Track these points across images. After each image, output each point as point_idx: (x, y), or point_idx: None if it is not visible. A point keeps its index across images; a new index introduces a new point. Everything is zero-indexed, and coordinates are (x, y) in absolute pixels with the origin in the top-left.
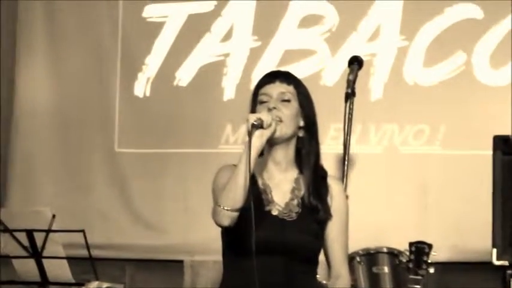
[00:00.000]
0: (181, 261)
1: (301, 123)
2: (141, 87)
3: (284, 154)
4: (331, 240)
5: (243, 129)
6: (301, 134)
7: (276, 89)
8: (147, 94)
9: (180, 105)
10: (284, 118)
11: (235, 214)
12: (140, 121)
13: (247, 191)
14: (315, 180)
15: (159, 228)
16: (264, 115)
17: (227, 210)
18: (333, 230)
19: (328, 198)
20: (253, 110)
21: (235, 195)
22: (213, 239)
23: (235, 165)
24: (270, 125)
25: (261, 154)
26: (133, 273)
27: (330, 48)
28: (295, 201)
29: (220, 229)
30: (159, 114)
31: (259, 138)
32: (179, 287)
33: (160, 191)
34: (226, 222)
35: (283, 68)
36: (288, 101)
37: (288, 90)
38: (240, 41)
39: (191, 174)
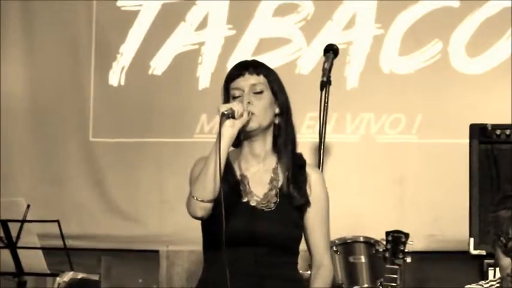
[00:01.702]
0: (156, 251)
1: (277, 111)
2: (116, 76)
3: (262, 145)
4: (311, 228)
5: (218, 119)
6: (277, 121)
7: (247, 81)
8: (122, 83)
9: (155, 94)
10: (259, 111)
11: (209, 205)
12: (115, 110)
13: (220, 182)
14: (293, 168)
15: (134, 218)
16: (235, 105)
17: (200, 201)
18: (312, 218)
19: (307, 187)
20: (225, 103)
21: (207, 185)
22: (189, 229)
23: None
24: (241, 115)
25: (238, 145)
26: (109, 263)
27: (305, 36)
28: (274, 192)
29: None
30: (134, 103)
31: (230, 128)
32: (155, 277)
33: (135, 181)
34: (199, 213)
35: (258, 57)
36: (261, 92)
37: (258, 81)
38: (214, 29)
39: (166, 164)
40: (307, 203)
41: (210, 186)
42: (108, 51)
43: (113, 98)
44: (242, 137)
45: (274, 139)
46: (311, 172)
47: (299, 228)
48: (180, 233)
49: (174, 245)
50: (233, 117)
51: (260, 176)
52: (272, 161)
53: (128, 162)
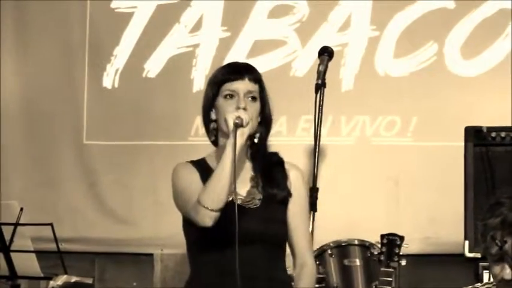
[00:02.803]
0: (151, 255)
1: (259, 119)
2: (110, 78)
3: (242, 149)
4: (293, 227)
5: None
6: (259, 129)
7: (245, 86)
8: (116, 85)
9: (149, 97)
10: (252, 117)
11: (218, 214)
12: (109, 113)
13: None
14: (270, 166)
15: (128, 221)
16: (242, 114)
17: (211, 210)
18: (294, 215)
19: (288, 182)
20: (212, 101)
21: (220, 195)
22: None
23: (191, 162)
24: (248, 124)
25: (217, 143)
26: (103, 266)
27: (300, 38)
28: (256, 189)
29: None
30: (128, 106)
31: (240, 137)
32: (149, 280)
33: (129, 184)
34: (208, 222)
35: (253, 59)
36: (255, 99)
37: (254, 88)
38: (209, 31)
39: (160, 167)
40: (289, 195)
41: (223, 196)
42: (102, 53)
43: (107, 100)
44: (223, 139)
45: (250, 142)
46: (290, 168)
47: (284, 224)
48: (174, 236)
49: (168, 248)
50: (242, 125)
51: (241, 174)
52: (248, 162)
53: (121, 165)
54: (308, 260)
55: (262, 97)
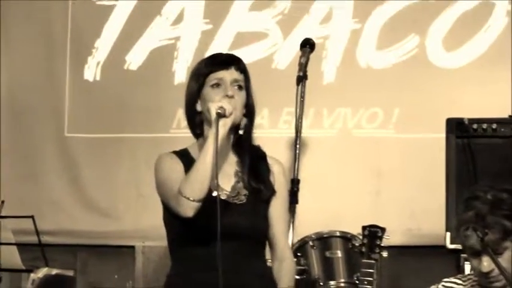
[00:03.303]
0: (132, 247)
1: (244, 110)
2: (91, 71)
3: (227, 139)
4: (275, 220)
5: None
6: (244, 121)
7: (231, 75)
8: (97, 78)
9: (130, 89)
10: (237, 106)
11: (199, 204)
12: (90, 105)
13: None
14: (254, 160)
15: (110, 213)
16: (225, 104)
17: (192, 201)
18: (275, 210)
19: (271, 177)
20: (198, 93)
21: (202, 185)
22: None
23: (175, 152)
24: (231, 114)
25: (199, 136)
26: (85, 259)
27: (282, 31)
28: (241, 184)
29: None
30: (110, 98)
31: (222, 128)
32: (131, 273)
33: (111, 176)
34: (191, 213)
35: (234, 52)
36: (241, 88)
37: (240, 78)
38: (191, 24)
39: (143, 159)
40: (274, 193)
41: (205, 186)
42: (84, 46)
43: (89, 93)
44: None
45: (234, 134)
46: (273, 163)
47: (267, 220)
48: (156, 229)
49: (150, 240)
50: (224, 115)
51: (225, 169)
52: (233, 155)
53: (103, 157)
54: (287, 254)
55: (247, 87)
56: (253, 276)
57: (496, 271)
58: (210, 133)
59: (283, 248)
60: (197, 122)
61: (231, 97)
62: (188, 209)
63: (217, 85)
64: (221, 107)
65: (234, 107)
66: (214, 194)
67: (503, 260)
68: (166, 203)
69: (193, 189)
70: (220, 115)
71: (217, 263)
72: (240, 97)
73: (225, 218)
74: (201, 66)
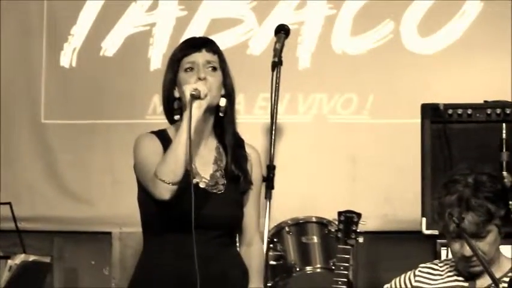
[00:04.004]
0: (109, 233)
1: (223, 92)
2: (67, 57)
3: (206, 124)
4: (249, 206)
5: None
6: (223, 102)
7: (203, 57)
8: (73, 65)
9: (106, 76)
10: (212, 88)
11: (175, 187)
12: (67, 92)
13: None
14: (235, 147)
15: (86, 199)
16: (200, 85)
17: (168, 183)
18: (249, 198)
19: (248, 166)
20: (174, 77)
21: (176, 168)
22: None
23: (154, 132)
24: (206, 95)
25: (173, 121)
26: (62, 245)
27: (257, 17)
28: (219, 173)
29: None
30: (86, 84)
31: (197, 109)
32: (107, 259)
33: (87, 162)
34: (167, 195)
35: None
36: (215, 69)
37: (213, 59)
38: (166, 10)
39: (118, 145)
40: (251, 184)
41: (179, 168)
42: (60, 32)
43: (65, 79)
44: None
45: (215, 118)
46: (251, 151)
47: (243, 209)
48: (132, 215)
49: (127, 226)
50: (199, 97)
51: (204, 156)
52: (213, 140)
53: (80, 143)
54: (256, 239)
55: (223, 68)
56: (232, 265)
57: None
58: (185, 115)
59: (253, 233)
60: (175, 108)
61: (204, 79)
62: (164, 191)
63: (191, 69)
64: (196, 89)
65: (209, 88)
66: (194, 181)
67: (486, 244)
68: (144, 184)
69: (168, 171)
70: (194, 96)
71: (193, 251)
72: (215, 78)
73: (205, 209)
74: (176, 52)
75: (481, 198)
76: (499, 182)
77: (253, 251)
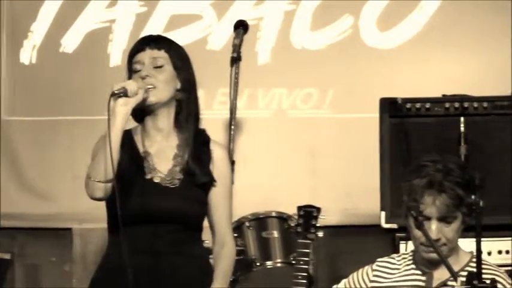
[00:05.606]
0: (70, 229)
1: (178, 86)
2: (27, 54)
3: (166, 120)
4: (214, 206)
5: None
6: (179, 96)
7: (147, 55)
8: (33, 61)
9: (66, 72)
10: (158, 84)
11: (108, 185)
12: (27, 89)
13: (112, 161)
14: (196, 145)
15: (47, 196)
16: (129, 84)
17: (98, 182)
18: (216, 196)
19: (211, 163)
20: (129, 78)
21: (101, 166)
22: (102, 206)
23: None
24: (136, 93)
25: (141, 120)
26: (23, 242)
27: (216, 13)
28: (178, 168)
29: None
30: (46, 81)
31: (123, 107)
32: (68, 255)
33: (49, 159)
34: (98, 194)
35: (169, 34)
36: (161, 66)
37: (159, 55)
38: (125, 6)
39: (79, 142)
40: (211, 182)
41: (100, 166)
42: (19, 29)
43: (25, 76)
44: (144, 112)
45: (176, 115)
46: (215, 148)
47: (203, 206)
48: (93, 211)
49: (88, 222)
50: (126, 95)
51: (164, 152)
52: (175, 137)
53: (41, 140)
54: (228, 240)
55: (174, 62)
56: (186, 259)
57: (443, 239)
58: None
59: (224, 234)
60: (137, 109)
61: (145, 77)
62: (95, 190)
63: (139, 70)
64: (122, 87)
65: (152, 85)
66: (148, 176)
67: (451, 230)
68: None
69: (96, 170)
70: (115, 94)
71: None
72: (161, 74)
73: (156, 203)
74: (128, 53)
75: (452, 182)
76: (466, 172)
77: (224, 253)
